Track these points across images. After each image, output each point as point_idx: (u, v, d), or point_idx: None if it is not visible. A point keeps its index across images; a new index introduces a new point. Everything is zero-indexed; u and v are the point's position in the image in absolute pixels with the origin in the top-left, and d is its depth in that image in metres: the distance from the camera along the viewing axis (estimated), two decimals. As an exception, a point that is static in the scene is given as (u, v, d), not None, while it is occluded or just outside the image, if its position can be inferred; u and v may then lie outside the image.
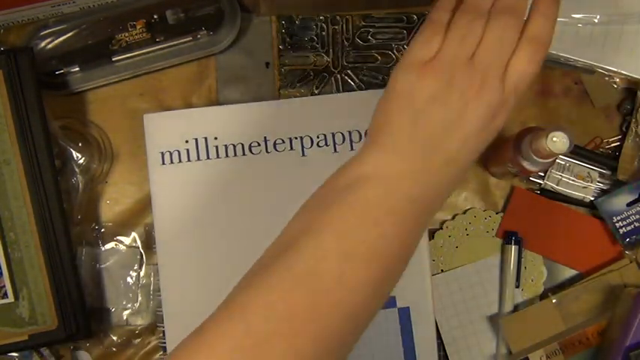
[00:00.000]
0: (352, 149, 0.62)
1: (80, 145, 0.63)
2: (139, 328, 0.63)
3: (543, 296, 0.63)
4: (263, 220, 0.60)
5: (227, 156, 0.62)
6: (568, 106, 0.67)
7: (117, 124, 0.65)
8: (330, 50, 0.67)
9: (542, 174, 0.64)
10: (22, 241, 0.56)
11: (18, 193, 0.57)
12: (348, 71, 0.67)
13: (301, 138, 0.63)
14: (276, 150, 0.62)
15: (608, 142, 0.66)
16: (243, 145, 0.62)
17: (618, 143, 0.66)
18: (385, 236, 0.38)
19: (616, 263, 0.63)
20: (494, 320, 0.63)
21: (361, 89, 0.66)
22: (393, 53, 0.67)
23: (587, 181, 0.64)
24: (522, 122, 0.66)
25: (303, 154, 0.62)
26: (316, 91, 0.67)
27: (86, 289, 0.61)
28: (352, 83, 0.67)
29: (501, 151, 0.60)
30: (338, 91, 0.67)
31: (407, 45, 0.67)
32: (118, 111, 0.65)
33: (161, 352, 0.63)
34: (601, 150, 0.66)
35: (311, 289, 0.36)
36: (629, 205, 0.62)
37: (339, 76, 0.67)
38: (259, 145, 0.62)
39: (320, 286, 0.36)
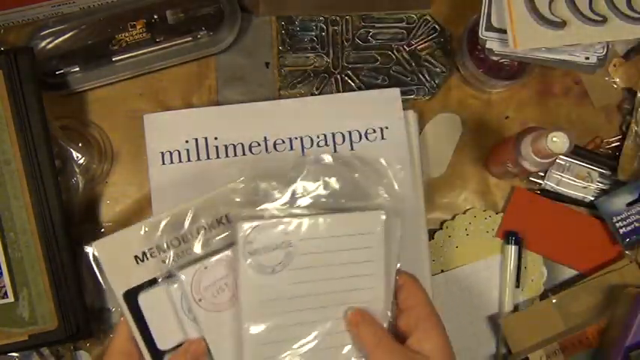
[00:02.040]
0: (352, 149, 0.62)
1: (80, 145, 0.63)
2: (139, 328, 0.63)
3: (543, 296, 0.63)
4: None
5: (227, 156, 0.62)
6: (568, 106, 0.67)
7: (117, 124, 0.65)
8: (330, 51, 0.67)
9: (542, 174, 0.64)
10: (22, 241, 0.56)
11: (18, 193, 0.56)
12: (348, 72, 0.67)
13: (301, 138, 0.63)
14: (276, 150, 0.62)
15: (608, 142, 0.66)
16: (243, 145, 0.62)
17: (618, 143, 0.66)
18: None
19: (616, 263, 0.63)
20: (494, 320, 0.63)
21: (361, 89, 0.66)
22: (393, 54, 0.67)
23: (587, 181, 0.64)
24: (522, 122, 0.66)
25: (303, 155, 0.62)
26: (316, 92, 0.67)
27: (86, 289, 0.61)
28: (352, 84, 0.67)
29: (501, 151, 0.60)
30: (338, 91, 0.67)
31: (407, 46, 0.67)
32: (118, 111, 0.65)
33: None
34: (601, 150, 0.66)
35: None
36: (629, 205, 0.62)
37: (339, 76, 0.67)
38: (259, 145, 0.62)
39: None
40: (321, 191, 0.52)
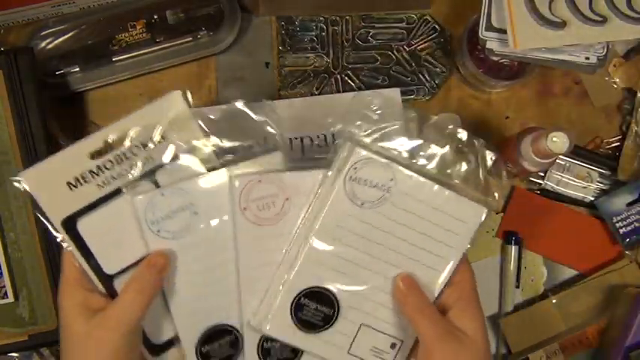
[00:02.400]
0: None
1: (80, 145, 0.63)
2: (139, 328, 0.63)
3: (543, 296, 0.63)
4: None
5: (227, 156, 0.62)
6: (568, 106, 0.67)
7: (117, 124, 0.65)
8: (330, 51, 0.67)
9: (542, 174, 0.64)
10: (22, 241, 0.56)
11: (18, 193, 0.56)
12: (348, 72, 0.67)
13: (301, 138, 0.63)
14: (276, 150, 0.62)
15: (608, 142, 0.66)
16: (243, 145, 0.62)
17: (618, 143, 0.66)
18: None
19: (616, 263, 0.63)
20: (494, 320, 0.63)
21: (361, 89, 0.66)
22: (393, 54, 0.67)
23: (587, 181, 0.64)
24: (522, 122, 0.66)
25: (303, 154, 0.62)
26: (316, 92, 0.67)
27: (86, 289, 0.60)
28: (352, 84, 0.67)
29: (501, 151, 0.60)
30: (338, 91, 0.67)
31: (407, 46, 0.67)
32: (118, 111, 0.65)
33: (161, 353, 0.62)
34: (601, 150, 0.66)
35: None
36: (629, 205, 0.62)
37: (339, 76, 0.67)
38: (259, 144, 0.62)
39: None
40: (439, 158, 0.51)
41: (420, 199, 0.50)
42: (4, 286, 0.56)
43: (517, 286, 0.63)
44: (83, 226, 0.49)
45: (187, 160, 0.50)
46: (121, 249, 0.50)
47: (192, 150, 0.50)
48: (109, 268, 0.49)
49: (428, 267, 0.50)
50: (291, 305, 0.49)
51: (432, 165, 0.51)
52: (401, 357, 0.50)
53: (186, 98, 0.51)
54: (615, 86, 0.67)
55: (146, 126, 0.51)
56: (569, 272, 0.65)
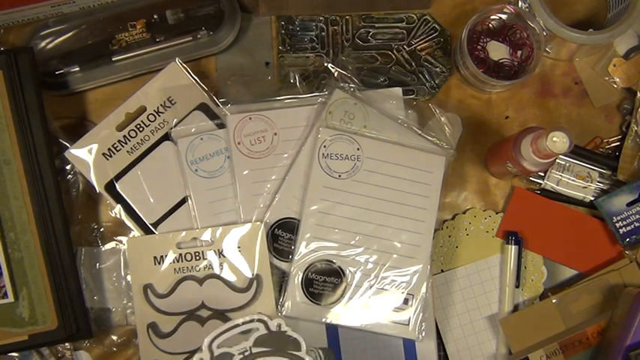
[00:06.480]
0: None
1: (80, 145, 0.63)
2: (139, 328, 0.63)
3: (543, 296, 0.63)
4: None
5: (227, 156, 0.63)
6: (568, 106, 0.67)
7: (117, 124, 0.65)
8: (330, 51, 0.67)
9: (542, 174, 0.64)
10: (22, 241, 0.56)
11: (18, 193, 0.57)
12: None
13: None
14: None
15: (608, 142, 0.66)
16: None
17: (618, 143, 0.66)
18: None
19: (616, 263, 0.63)
20: (494, 320, 0.63)
21: (361, 90, 0.66)
22: (393, 54, 0.67)
23: (587, 181, 0.64)
24: (522, 122, 0.66)
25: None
26: (316, 92, 0.66)
27: (86, 289, 0.61)
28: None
29: (501, 151, 0.60)
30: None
31: (407, 46, 0.67)
32: (118, 111, 0.65)
33: (161, 352, 0.62)
34: (601, 150, 0.66)
35: None
36: (629, 205, 0.62)
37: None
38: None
39: None
40: (399, 122, 0.60)
41: (386, 159, 0.58)
42: (4, 286, 0.56)
43: (517, 286, 0.63)
44: (121, 185, 0.59)
45: (196, 116, 0.60)
46: (157, 199, 0.59)
47: (197, 107, 0.60)
48: (149, 218, 0.59)
49: (414, 220, 0.58)
50: (302, 282, 0.56)
51: (392, 126, 0.60)
52: (421, 308, 0.57)
53: (183, 65, 0.60)
54: (615, 86, 0.67)
55: (156, 95, 0.61)
56: (569, 272, 0.65)
